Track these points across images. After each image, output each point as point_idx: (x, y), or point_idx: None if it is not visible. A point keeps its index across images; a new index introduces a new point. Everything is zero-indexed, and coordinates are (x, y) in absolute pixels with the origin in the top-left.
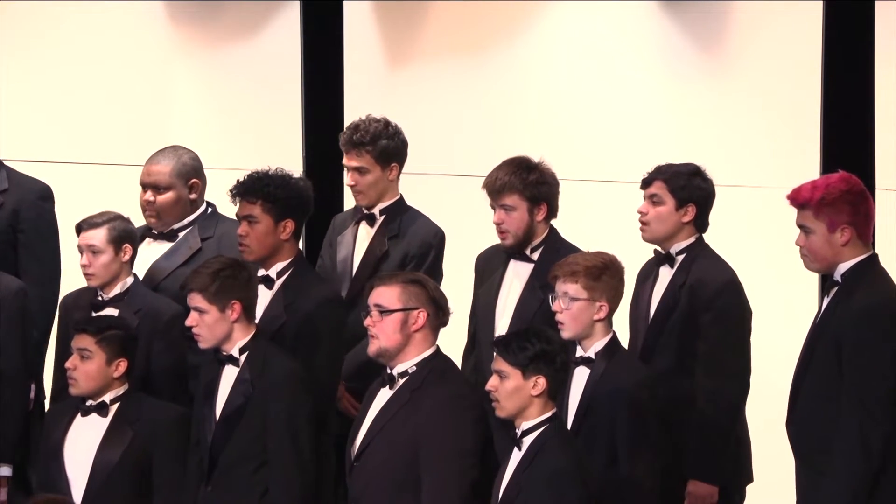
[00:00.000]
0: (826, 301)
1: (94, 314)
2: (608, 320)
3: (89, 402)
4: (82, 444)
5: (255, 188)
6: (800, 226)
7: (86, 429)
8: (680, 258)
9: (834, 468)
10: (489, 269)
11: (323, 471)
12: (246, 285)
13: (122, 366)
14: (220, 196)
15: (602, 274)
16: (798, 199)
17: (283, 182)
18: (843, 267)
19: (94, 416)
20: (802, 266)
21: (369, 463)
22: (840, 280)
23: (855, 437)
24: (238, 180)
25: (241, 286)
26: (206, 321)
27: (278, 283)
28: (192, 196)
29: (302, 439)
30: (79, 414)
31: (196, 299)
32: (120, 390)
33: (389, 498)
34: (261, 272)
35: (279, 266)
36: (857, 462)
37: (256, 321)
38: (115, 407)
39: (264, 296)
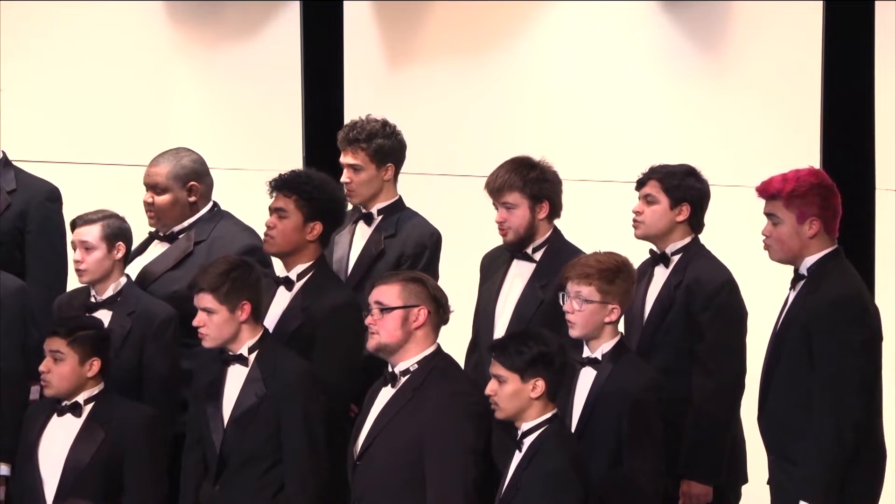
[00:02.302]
0: (792, 294)
1: (76, 315)
2: (618, 322)
3: (64, 403)
4: (56, 444)
5: (293, 183)
6: (767, 214)
7: (60, 429)
8: (676, 258)
9: (807, 457)
10: (493, 268)
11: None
12: (256, 286)
13: (96, 365)
14: (219, 195)
15: (616, 277)
16: (768, 189)
17: (322, 184)
18: (810, 260)
19: (68, 415)
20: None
21: (372, 462)
22: (806, 273)
23: (828, 426)
24: (280, 174)
25: (251, 287)
26: (215, 321)
27: (298, 285)
28: (192, 199)
29: (317, 437)
30: (55, 414)
31: (206, 299)
32: (94, 390)
33: (393, 497)
34: (281, 273)
35: (300, 268)
36: (830, 450)
37: (275, 322)
38: (88, 407)
39: (283, 297)
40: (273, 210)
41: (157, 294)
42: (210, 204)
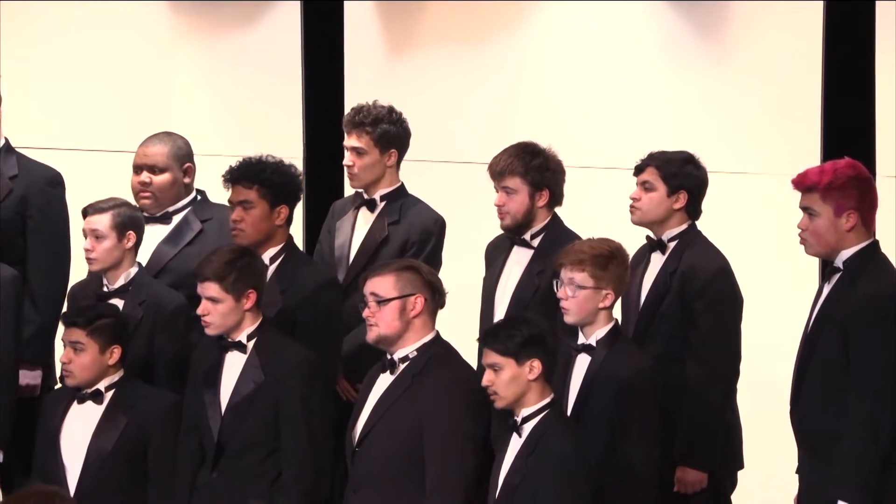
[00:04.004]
0: (827, 288)
1: (93, 304)
2: (611, 308)
3: (84, 390)
4: (78, 431)
5: (251, 173)
6: (804, 208)
7: (81, 416)
8: (672, 245)
9: (843, 455)
10: (495, 256)
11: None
12: (261, 274)
13: (117, 353)
14: (219, 182)
15: (609, 263)
16: (805, 182)
17: (278, 168)
18: (846, 254)
19: (89, 403)
20: (802, 253)
21: (371, 449)
22: (842, 267)
23: (864, 424)
24: (231, 166)
25: (257, 275)
26: (220, 310)
27: (272, 268)
28: (187, 180)
29: (316, 425)
30: (75, 401)
31: (212, 289)
32: (115, 377)
33: (392, 484)
34: None
35: (272, 252)
36: (867, 448)
37: None
38: (109, 394)
39: None
40: (236, 203)
41: (174, 272)
42: (195, 190)
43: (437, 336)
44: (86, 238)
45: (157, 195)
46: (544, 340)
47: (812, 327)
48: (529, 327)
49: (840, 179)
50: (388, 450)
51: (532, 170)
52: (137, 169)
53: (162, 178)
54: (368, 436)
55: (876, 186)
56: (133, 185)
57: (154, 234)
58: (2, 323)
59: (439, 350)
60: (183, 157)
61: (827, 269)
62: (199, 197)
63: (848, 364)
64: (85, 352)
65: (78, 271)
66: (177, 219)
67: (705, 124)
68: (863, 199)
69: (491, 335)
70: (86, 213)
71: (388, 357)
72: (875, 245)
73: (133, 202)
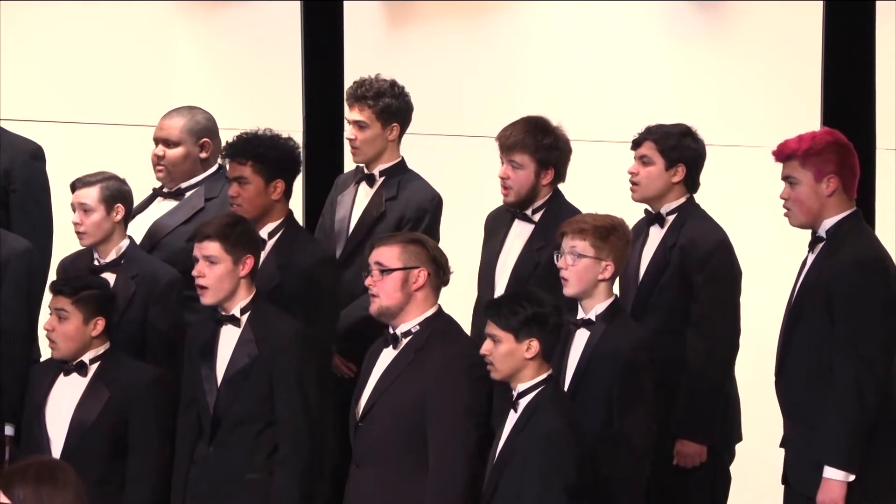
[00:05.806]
0: (811, 258)
1: (82, 275)
2: (611, 282)
3: (70, 362)
4: (62, 403)
5: (245, 149)
6: (785, 178)
7: (66, 388)
8: (671, 218)
9: (830, 419)
10: (495, 228)
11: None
12: (258, 244)
13: (100, 324)
14: None
15: (610, 234)
16: (784, 151)
17: (273, 142)
18: (828, 223)
19: (74, 375)
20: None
21: (374, 424)
22: (825, 236)
23: (851, 388)
24: (227, 142)
25: (255, 243)
26: (217, 272)
27: (270, 243)
28: (203, 155)
29: (311, 398)
30: (61, 374)
31: (211, 247)
32: (100, 349)
33: (395, 458)
34: None
35: (270, 226)
36: (853, 412)
37: None
38: (94, 367)
39: None
40: (232, 179)
41: (168, 248)
42: (217, 164)
43: (440, 310)
44: (74, 212)
45: (169, 169)
46: (546, 320)
47: (796, 297)
48: (534, 306)
49: (819, 145)
50: (391, 425)
51: (541, 148)
52: (155, 142)
53: (175, 152)
54: (371, 411)
55: (855, 153)
56: (151, 157)
57: (163, 210)
58: (14, 295)
59: (441, 324)
60: (200, 132)
61: (811, 240)
62: (221, 169)
63: (833, 329)
64: (68, 321)
65: (65, 245)
66: (188, 195)
67: (704, 97)
68: (842, 165)
69: (495, 307)
70: (74, 186)
71: (391, 332)
72: (857, 214)
73: (121, 176)
